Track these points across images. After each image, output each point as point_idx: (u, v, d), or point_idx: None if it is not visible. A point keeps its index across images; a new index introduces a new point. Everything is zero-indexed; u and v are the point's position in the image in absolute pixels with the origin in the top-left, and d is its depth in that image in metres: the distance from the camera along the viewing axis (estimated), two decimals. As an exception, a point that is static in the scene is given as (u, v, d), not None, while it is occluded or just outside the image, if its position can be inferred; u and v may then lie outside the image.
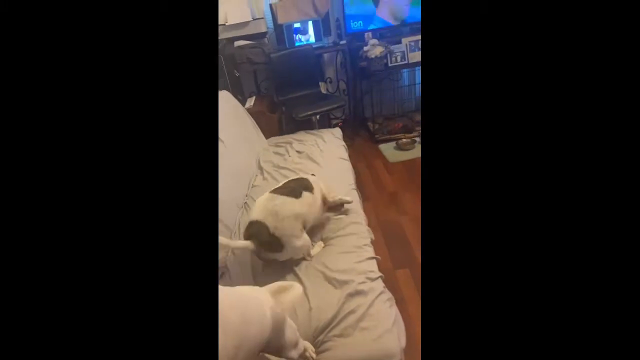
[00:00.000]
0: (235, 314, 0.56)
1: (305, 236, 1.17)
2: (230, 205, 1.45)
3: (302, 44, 2.61)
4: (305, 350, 0.85)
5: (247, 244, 1.08)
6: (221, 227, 1.31)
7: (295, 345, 0.79)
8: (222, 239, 1.03)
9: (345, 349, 0.87)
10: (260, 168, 1.82)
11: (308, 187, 1.24)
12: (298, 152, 1.92)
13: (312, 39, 2.62)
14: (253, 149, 1.94)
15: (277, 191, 1.18)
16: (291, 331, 0.76)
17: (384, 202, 2.04)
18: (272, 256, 1.12)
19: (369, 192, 2.13)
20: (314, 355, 0.87)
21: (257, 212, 1.14)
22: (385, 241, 1.70)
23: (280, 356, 0.79)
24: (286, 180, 1.28)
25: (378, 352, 0.85)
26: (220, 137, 1.61)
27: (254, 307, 0.65)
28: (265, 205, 1.13)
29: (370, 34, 2.60)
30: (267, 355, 0.78)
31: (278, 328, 0.70)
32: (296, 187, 1.22)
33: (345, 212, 1.35)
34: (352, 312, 0.94)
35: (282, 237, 1.09)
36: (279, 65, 2.50)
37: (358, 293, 0.99)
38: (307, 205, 1.20)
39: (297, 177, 1.31)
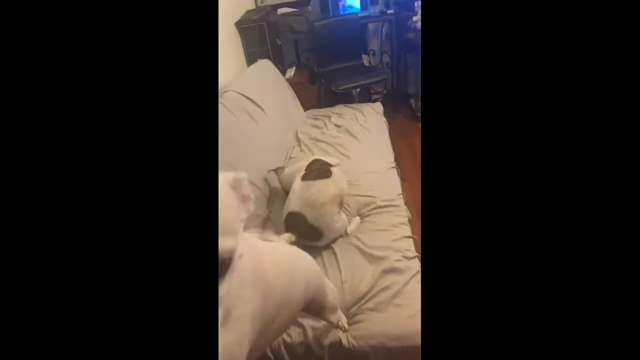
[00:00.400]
0: (282, 273, 0.55)
1: (343, 216, 1.16)
2: (265, 174, 1.46)
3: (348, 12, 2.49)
4: (338, 319, 0.86)
5: (287, 236, 1.09)
6: (259, 196, 1.33)
7: (335, 310, 0.79)
8: (263, 240, 1.05)
9: (378, 322, 0.87)
10: (298, 140, 1.81)
11: (330, 164, 1.24)
12: (337, 125, 1.88)
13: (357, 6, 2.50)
14: (291, 120, 1.93)
15: (307, 177, 1.16)
16: (333, 295, 0.76)
17: (422, 182, 1.97)
18: (311, 244, 1.12)
19: (407, 171, 2.06)
20: (346, 325, 0.88)
21: (294, 202, 1.12)
22: (421, 222, 1.65)
23: (319, 318, 0.80)
24: (307, 163, 1.25)
25: (412, 329, 0.84)
26: (260, 105, 1.61)
27: (302, 266, 0.64)
28: (301, 196, 1.12)
29: (420, 1, 2.42)
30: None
31: (322, 288, 0.70)
32: (323, 167, 1.20)
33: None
34: (386, 288, 0.93)
35: (321, 226, 1.09)
36: (321, 34, 2.42)
37: (393, 270, 0.98)
38: (340, 180, 1.19)
39: (314, 158, 1.29)
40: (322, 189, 1.12)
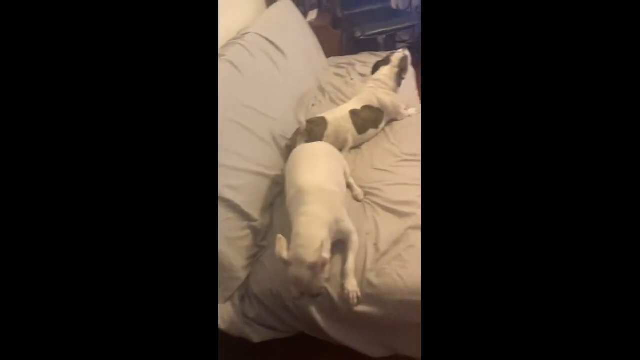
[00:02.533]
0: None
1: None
2: (289, 120, 1.38)
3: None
4: (352, 288, 0.86)
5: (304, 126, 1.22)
6: (282, 143, 1.27)
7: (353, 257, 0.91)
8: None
9: (404, 274, 0.86)
10: (322, 89, 1.71)
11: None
12: (361, 74, 1.76)
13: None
14: (312, 67, 1.81)
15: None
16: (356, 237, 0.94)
17: (447, 139, 1.88)
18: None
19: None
20: (358, 294, 0.86)
21: (332, 115, 1.30)
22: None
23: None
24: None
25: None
26: (281, 48, 1.50)
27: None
28: (342, 116, 1.30)
29: None
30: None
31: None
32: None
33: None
34: (412, 245, 0.91)
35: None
36: (347, -29, 2.19)
37: (419, 227, 0.95)
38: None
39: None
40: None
